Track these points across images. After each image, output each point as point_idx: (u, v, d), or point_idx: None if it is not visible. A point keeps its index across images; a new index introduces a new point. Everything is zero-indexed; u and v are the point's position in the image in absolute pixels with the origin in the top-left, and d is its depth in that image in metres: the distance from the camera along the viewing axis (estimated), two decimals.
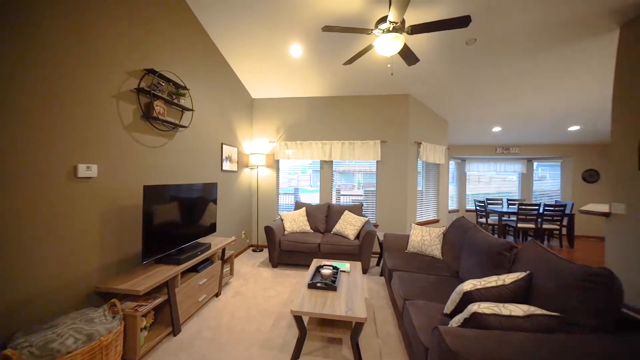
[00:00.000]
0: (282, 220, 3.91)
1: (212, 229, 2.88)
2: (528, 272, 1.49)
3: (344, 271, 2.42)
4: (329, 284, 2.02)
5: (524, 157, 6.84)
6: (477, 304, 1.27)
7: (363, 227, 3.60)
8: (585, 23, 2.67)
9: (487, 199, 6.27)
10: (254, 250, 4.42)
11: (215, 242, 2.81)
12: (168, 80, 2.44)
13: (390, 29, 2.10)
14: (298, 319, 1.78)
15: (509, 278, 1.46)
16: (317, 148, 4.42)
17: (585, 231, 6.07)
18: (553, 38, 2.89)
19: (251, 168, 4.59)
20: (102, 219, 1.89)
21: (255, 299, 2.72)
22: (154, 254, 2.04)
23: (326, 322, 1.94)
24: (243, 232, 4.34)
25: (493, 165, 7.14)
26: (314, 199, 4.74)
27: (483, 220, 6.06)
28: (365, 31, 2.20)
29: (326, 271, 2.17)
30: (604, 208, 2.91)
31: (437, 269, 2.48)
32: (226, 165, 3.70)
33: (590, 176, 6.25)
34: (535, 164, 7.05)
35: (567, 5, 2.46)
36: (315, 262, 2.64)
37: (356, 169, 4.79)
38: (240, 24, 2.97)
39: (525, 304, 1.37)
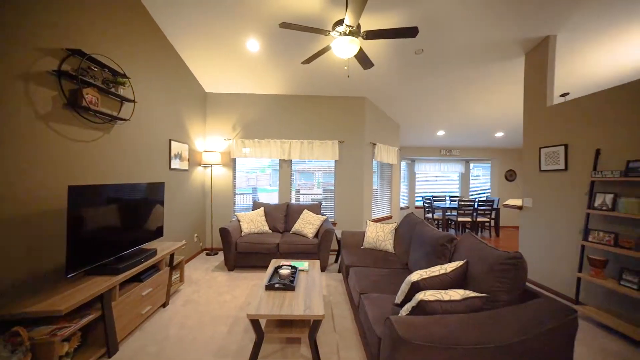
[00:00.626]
0: (239, 221, 3.75)
1: (158, 233, 2.62)
2: (465, 260, 1.68)
3: (302, 270, 2.43)
4: (287, 284, 2.00)
5: (463, 159, 7.72)
6: (423, 292, 1.38)
7: (322, 225, 3.65)
8: (502, 48, 3.15)
9: (433, 197, 6.91)
10: (207, 254, 4.15)
11: (163, 247, 2.56)
12: (102, 65, 2.14)
13: (347, 32, 2.16)
14: (255, 322, 1.72)
15: (449, 267, 1.63)
16: (275, 147, 4.34)
17: (508, 222, 7.11)
18: (480, 57, 3.34)
19: (204, 167, 4.30)
20: (4, 227, 1.56)
21: (209, 305, 2.56)
22: (84, 265, 1.77)
23: (284, 323, 1.92)
24: (195, 235, 4.05)
25: (438, 166, 7.90)
26: (273, 198, 4.65)
27: (430, 215, 6.67)
28: (323, 32, 2.23)
29: (285, 271, 2.15)
30: (518, 202, 3.45)
31: (390, 263, 2.65)
32: (175, 164, 3.40)
33: (510, 175, 7.37)
34: (471, 164, 8.02)
35: (487, 32, 2.88)
36: (273, 263, 2.60)
37: (316, 168, 4.83)
38: (192, 12, 2.75)
39: (462, 288, 1.54)
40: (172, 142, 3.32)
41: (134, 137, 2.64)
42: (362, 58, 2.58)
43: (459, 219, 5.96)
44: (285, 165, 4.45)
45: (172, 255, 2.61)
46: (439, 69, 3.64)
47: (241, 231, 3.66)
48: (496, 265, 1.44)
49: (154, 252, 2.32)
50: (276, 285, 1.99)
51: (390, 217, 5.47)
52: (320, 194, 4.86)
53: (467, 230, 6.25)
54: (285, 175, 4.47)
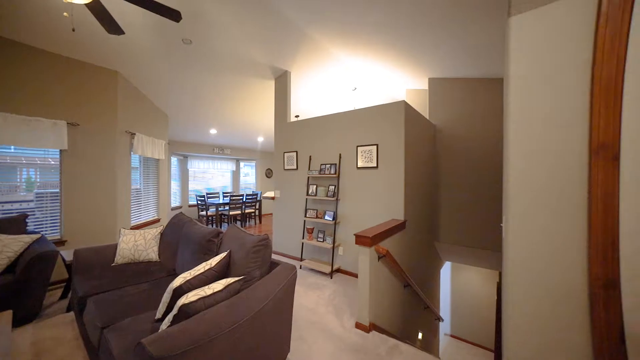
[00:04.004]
0: None
1: None
2: (228, 250, 1.82)
3: None
4: None
5: (234, 158, 8.47)
6: (185, 295, 1.32)
7: (27, 250, 2.33)
8: (260, 68, 3.87)
9: (207, 193, 6.92)
10: None
11: None
12: None
13: None
14: None
15: (214, 261, 1.69)
16: None
17: (268, 210, 8.87)
18: (244, 70, 3.86)
19: None
20: None
21: None
22: None
23: None
24: None
25: (212, 163, 8.03)
26: None
27: (204, 213, 6.61)
28: None
29: None
30: (272, 194, 4.44)
31: (153, 274, 2.27)
32: None
33: (269, 173, 9.29)
34: (241, 163, 9.01)
35: (247, 52, 3.39)
36: None
37: (22, 160, 3.01)
38: None
39: (227, 277, 1.67)
40: None
41: None
42: (103, 16, 1.93)
43: (231, 213, 6.48)
44: None
45: None
46: (209, 67, 3.67)
47: None
48: (251, 249, 1.70)
49: None
50: None
51: (158, 221, 4.72)
52: (32, 200, 3.10)
53: (238, 222, 6.96)
54: None
